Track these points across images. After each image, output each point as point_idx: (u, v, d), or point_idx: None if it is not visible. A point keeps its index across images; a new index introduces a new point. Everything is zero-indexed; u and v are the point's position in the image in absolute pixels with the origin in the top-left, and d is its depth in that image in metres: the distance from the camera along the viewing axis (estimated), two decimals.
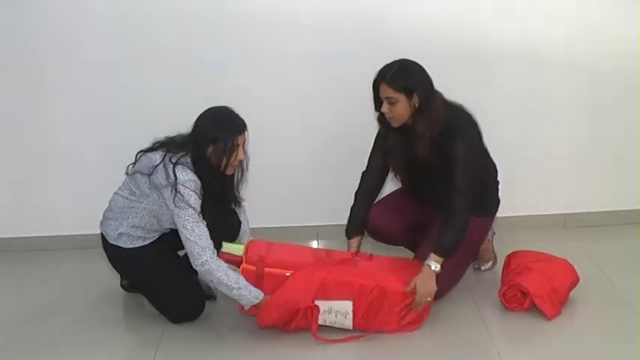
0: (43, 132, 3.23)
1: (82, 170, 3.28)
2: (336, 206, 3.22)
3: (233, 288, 2.47)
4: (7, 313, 2.83)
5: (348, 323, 2.56)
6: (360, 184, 2.86)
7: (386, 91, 2.55)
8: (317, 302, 2.52)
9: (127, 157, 2.66)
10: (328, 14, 3.09)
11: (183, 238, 2.49)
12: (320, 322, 2.54)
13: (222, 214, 2.71)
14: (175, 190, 2.44)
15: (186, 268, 2.59)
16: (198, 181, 2.48)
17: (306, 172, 3.34)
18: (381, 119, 2.71)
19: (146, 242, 2.64)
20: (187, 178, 2.46)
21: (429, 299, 2.59)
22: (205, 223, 2.50)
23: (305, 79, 3.19)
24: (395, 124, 2.63)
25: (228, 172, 2.56)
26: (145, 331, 2.66)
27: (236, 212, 2.81)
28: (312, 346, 2.52)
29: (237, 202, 2.73)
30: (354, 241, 2.84)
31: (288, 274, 2.53)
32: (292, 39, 3.12)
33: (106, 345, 2.61)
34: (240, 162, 2.58)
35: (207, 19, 3.08)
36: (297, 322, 2.54)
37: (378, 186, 2.88)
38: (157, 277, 2.65)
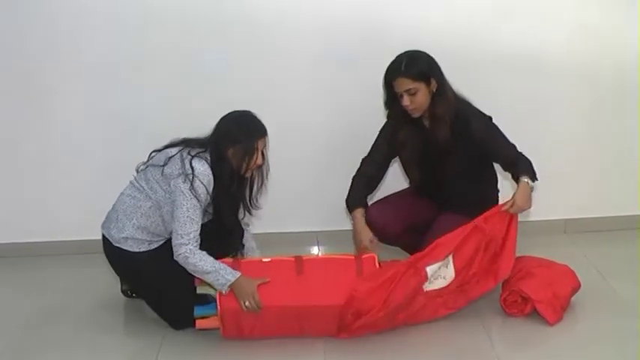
0: (44, 136, 3.24)
1: (83, 175, 3.28)
2: (336, 211, 3.23)
3: (209, 272, 2.48)
4: (8, 318, 2.83)
5: (451, 273, 2.59)
6: (359, 168, 2.87)
7: (404, 85, 2.58)
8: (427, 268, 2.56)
9: (129, 162, 2.67)
10: (329, 17, 3.10)
11: (172, 228, 2.50)
12: (428, 286, 2.57)
13: (238, 223, 2.75)
14: (190, 180, 2.46)
15: (187, 273, 2.59)
16: (212, 177, 2.51)
17: (306, 176, 3.34)
18: (394, 115, 2.73)
19: (152, 247, 2.64)
20: (203, 169, 2.49)
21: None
22: (200, 222, 2.53)
23: (307, 81, 3.20)
24: (417, 114, 2.66)
25: (246, 174, 2.59)
26: (145, 337, 2.66)
27: (240, 224, 2.81)
28: (313, 351, 2.52)
29: (253, 208, 2.74)
30: (358, 212, 2.79)
31: (265, 259, 2.60)
32: (292, 42, 3.13)
33: (106, 350, 2.60)
34: (260, 168, 2.62)
35: (208, 21, 3.09)
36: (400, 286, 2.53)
37: (377, 176, 2.89)
38: (158, 283, 2.64)
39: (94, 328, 2.74)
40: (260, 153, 2.57)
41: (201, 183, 2.48)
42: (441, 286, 2.60)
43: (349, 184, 2.88)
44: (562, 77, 3.25)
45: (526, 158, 2.71)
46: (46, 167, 3.28)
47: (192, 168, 2.47)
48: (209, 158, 2.53)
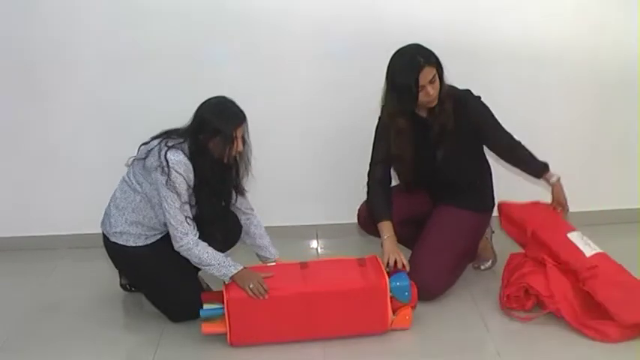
0: (42, 131, 3.24)
1: (82, 169, 3.28)
2: (335, 205, 3.23)
3: (212, 265, 2.50)
4: (7, 313, 2.83)
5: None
6: (368, 176, 2.84)
7: (429, 74, 2.57)
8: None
9: (126, 156, 2.67)
10: (328, 13, 3.09)
11: (166, 221, 2.52)
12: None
13: (224, 214, 2.74)
14: (166, 173, 2.47)
15: (186, 266, 2.61)
16: (189, 165, 2.50)
17: (306, 171, 3.34)
18: (395, 115, 2.68)
19: (148, 241, 2.65)
20: (177, 159, 2.48)
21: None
22: (189, 209, 2.53)
23: (305, 78, 3.19)
24: (434, 103, 2.64)
25: (229, 162, 2.56)
26: (144, 331, 2.66)
27: (236, 216, 2.81)
28: (313, 347, 2.51)
29: (240, 192, 2.72)
30: (386, 228, 2.72)
31: (269, 264, 2.68)
32: (292, 38, 3.13)
33: (105, 345, 2.61)
34: (241, 153, 2.59)
35: (207, 18, 3.09)
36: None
37: (387, 177, 2.86)
38: (156, 275, 2.65)
39: (93, 322, 2.75)
40: (240, 140, 2.52)
41: (178, 173, 2.47)
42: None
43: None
44: (562, 71, 3.24)
45: (525, 150, 2.78)
46: (45, 162, 3.28)
47: (166, 160, 2.47)
48: (187, 148, 2.52)
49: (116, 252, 2.68)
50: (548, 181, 2.78)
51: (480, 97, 2.74)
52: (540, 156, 3.32)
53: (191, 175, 2.51)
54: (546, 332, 2.56)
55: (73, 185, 3.31)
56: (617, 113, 3.32)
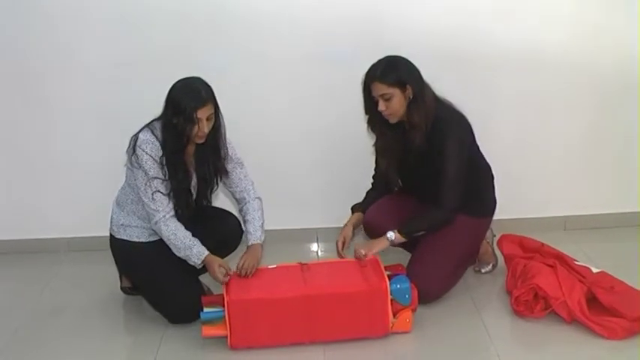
0: (42, 134, 3.24)
1: (82, 173, 3.28)
2: (336, 209, 3.22)
3: (180, 248, 2.54)
4: (8, 316, 2.83)
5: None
6: (371, 185, 2.92)
7: (380, 89, 2.58)
8: None
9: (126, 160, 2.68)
10: (328, 17, 3.10)
11: (140, 197, 2.56)
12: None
13: (219, 216, 2.77)
14: (133, 149, 2.50)
15: (188, 267, 2.62)
16: (157, 144, 2.50)
17: (306, 174, 3.34)
18: (372, 121, 2.74)
19: (151, 238, 2.66)
20: (144, 138, 2.51)
21: (362, 258, 2.65)
22: (159, 183, 2.52)
23: (305, 81, 3.19)
24: (393, 120, 2.65)
25: (197, 141, 2.54)
26: (145, 335, 2.66)
27: (237, 219, 2.81)
28: (314, 351, 2.51)
29: (222, 173, 2.69)
30: (355, 214, 2.87)
31: (270, 267, 2.63)
32: (292, 42, 3.13)
33: (106, 348, 2.61)
34: (217, 134, 2.57)
35: (207, 23, 3.09)
36: None
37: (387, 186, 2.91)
38: (158, 274, 2.65)
39: (93, 325, 2.75)
40: (204, 121, 2.46)
41: (144, 152, 2.49)
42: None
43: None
44: (562, 76, 3.24)
45: (444, 212, 2.67)
46: (45, 165, 3.29)
47: (135, 140, 2.51)
48: (157, 127, 2.53)
49: (120, 250, 2.70)
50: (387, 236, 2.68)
51: (468, 128, 2.68)
52: (540, 160, 3.35)
53: (157, 154, 2.51)
54: (548, 335, 2.56)
55: (74, 188, 3.31)
56: (617, 117, 3.32)
